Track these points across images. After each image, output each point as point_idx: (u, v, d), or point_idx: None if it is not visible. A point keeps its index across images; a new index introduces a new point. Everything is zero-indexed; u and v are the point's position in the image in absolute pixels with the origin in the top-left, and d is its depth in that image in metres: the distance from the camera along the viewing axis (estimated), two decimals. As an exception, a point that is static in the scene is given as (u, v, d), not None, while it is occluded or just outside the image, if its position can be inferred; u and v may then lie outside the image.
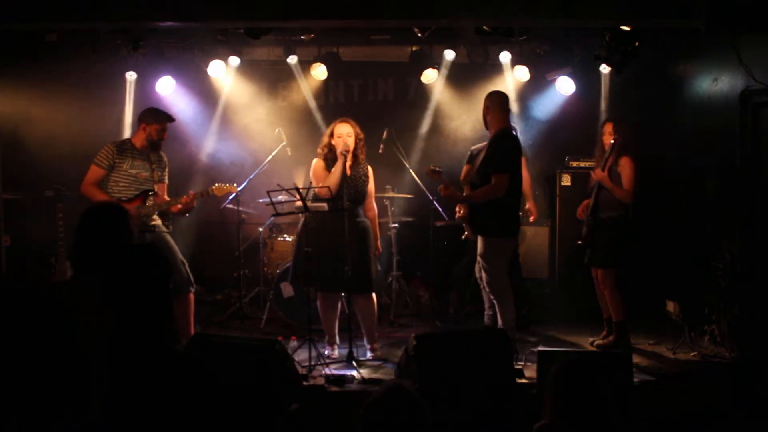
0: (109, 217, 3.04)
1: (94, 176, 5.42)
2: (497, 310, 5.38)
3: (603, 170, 5.67)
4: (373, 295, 5.45)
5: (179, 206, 5.52)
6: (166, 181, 5.75)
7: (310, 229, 5.34)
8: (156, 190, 5.56)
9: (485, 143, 5.45)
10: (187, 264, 5.56)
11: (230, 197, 6.62)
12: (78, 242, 3.01)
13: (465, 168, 5.69)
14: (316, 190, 5.29)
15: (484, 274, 5.33)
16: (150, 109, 5.67)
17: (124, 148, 5.52)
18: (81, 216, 3.07)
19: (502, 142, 5.24)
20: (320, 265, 5.31)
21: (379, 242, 5.62)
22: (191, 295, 5.58)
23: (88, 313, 2.42)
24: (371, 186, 5.54)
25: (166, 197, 5.69)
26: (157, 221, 5.55)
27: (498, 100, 5.35)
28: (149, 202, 5.49)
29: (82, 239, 2.99)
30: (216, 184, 5.67)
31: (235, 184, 5.80)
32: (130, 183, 5.45)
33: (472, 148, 5.80)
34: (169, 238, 5.56)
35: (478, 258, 5.38)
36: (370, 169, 5.55)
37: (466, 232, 5.71)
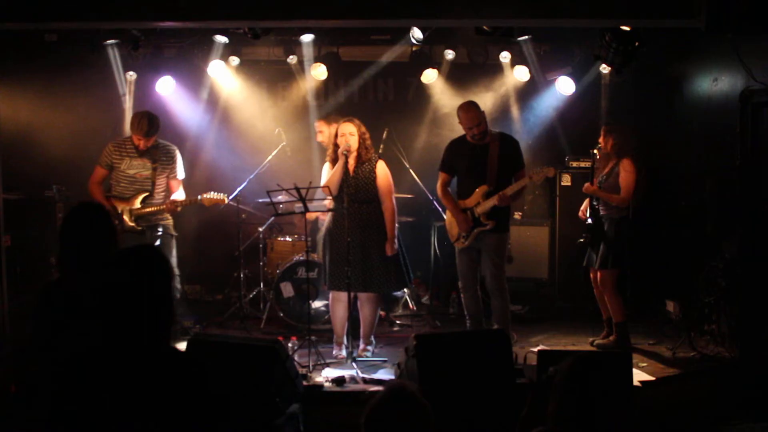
0: (87, 217, 3.02)
1: (96, 175, 5.54)
2: (497, 306, 5.40)
3: (592, 184, 5.68)
4: (374, 295, 5.44)
5: (163, 208, 5.48)
6: (179, 176, 5.62)
7: (327, 229, 5.43)
8: (156, 188, 5.49)
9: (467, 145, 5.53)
10: (178, 276, 5.54)
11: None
12: (61, 245, 3.00)
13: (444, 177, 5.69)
14: (319, 189, 5.30)
15: (495, 272, 5.43)
16: (137, 114, 5.60)
17: (123, 147, 5.52)
18: (62, 219, 3.08)
19: (515, 143, 5.64)
20: (329, 264, 5.37)
21: (392, 241, 5.38)
22: None
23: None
24: (381, 183, 5.37)
25: (182, 195, 5.65)
26: (168, 221, 5.54)
27: (480, 109, 5.50)
28: (141, 204, 5.46)
29: (64, 241, 2.98)
30: (206, 194, 5.65)
31: (224, 196, 5.75)
32: (129, 183, 5.47)
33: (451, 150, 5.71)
34: (170, 241, 5.56)
35: (491, 257, 5.43)
36: (380, 167, 5.39)
37: (463, 238, 5.54)
